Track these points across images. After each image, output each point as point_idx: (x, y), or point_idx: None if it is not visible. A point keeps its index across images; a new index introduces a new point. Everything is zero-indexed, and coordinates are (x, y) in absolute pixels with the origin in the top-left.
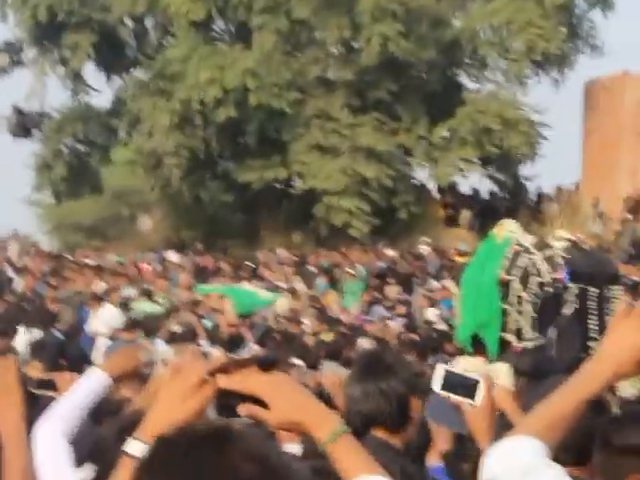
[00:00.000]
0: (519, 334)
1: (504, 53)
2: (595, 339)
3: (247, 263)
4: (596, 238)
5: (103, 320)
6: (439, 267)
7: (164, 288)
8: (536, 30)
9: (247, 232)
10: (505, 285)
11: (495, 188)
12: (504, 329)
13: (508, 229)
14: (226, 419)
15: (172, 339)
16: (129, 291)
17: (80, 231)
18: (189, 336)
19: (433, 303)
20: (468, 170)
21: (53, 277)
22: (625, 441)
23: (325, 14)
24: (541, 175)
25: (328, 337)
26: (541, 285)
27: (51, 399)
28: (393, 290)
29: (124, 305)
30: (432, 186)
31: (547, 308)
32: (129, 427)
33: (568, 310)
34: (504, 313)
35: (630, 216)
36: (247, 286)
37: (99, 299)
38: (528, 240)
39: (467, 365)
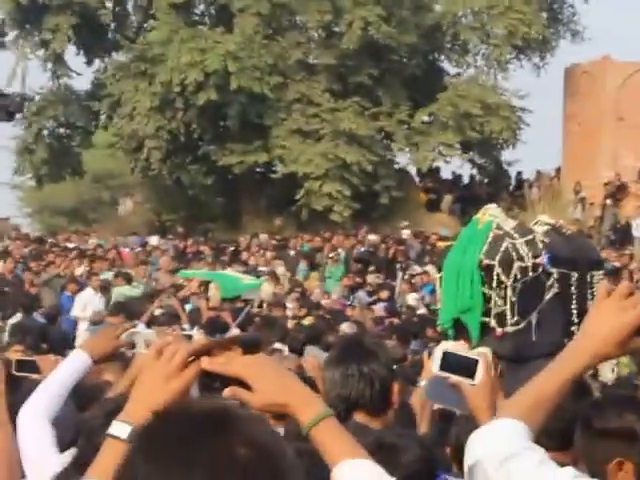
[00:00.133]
0: (501, 319)
1: (485, 38)
2: (576, 324)
3: (228, 246)
4: (577, 223)
5: (82, 303)
6: (420, 252)
7: (145, 272)
8: (517, 15)
9: (228, 216)
10: (486, 270)
11: (476, 173)
12: (486, 314)
13: (491, 214)
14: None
15: (154, 322)
16: (108, 274)
17: (61, 214)
18: (171, 319)
19: (415, 288)
20: (449, 155)
21: (34, 260)
22: (606, 424)
23: None
24: (522, 160)
25: (309, 321)
26: (523, 270)
27: (35, 382)
28: (374, 275)
29: (104, 289)
30: (413, 171)
31: (529, 293)
32: (115, 411)
33: (549, 295)
34: (485, 298)
35: (610, 201)
36: (230, 272)
37: (78, 282)
38: (509, 225)
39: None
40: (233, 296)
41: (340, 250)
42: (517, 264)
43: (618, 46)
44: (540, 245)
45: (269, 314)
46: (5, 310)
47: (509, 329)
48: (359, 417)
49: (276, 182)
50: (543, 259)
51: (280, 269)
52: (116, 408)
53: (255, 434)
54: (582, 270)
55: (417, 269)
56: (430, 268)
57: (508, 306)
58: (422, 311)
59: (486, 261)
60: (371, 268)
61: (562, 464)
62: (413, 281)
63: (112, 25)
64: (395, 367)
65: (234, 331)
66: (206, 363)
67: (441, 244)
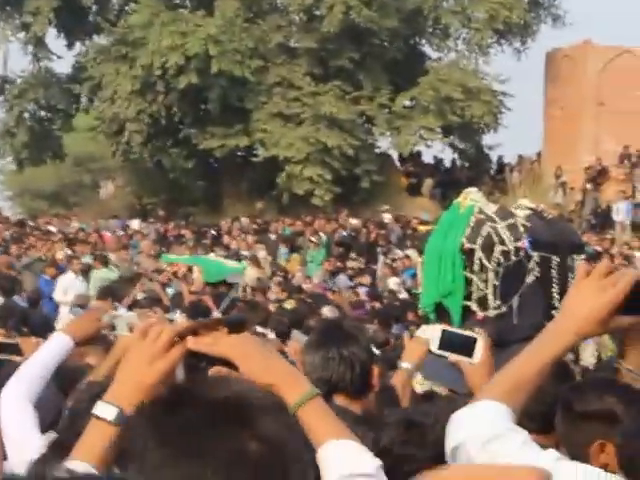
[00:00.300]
0: (483, 303)
1: (466, 22)
2: (558, 308)
3: (209, 230)
4: (557, 207)
5: (64, 287)
6: (401, 236)
7: (126, 255)
8: None
9: (209, 199)
10: (468, 254)
11: (457, 157)
12: (468, 298)
13: (472, 198)
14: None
15: (135, 306)
16: (89, 258)
17: (42, 198)
18: (152, 303)
19: (396, 272)
20: (430, 139)
21: (15, 244)
22: (587, 407)
23: None
24: (503, 144)
25: (291, 305)
26: (504, 254)
27: (16, 364)
28: (355, 261)
29: (85, 272)
30: (395, 155)
31: (510, 277)
32: (100, 395)
33: (530, 279)
34: (467, 282)
35: (591, 186)
36: (213, 256)
37: (57, 266)
38: (491, 209)
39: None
40: (216, 280)
41: (321, 234)
42: (499, 248)
43: (599, 30)
44: (521, 229)
45: (252, 299)
46: None
47: (491, 313)
48: (339, 400)
49: (257, 166)
50: (524, 243)
51: (261, 253)
52: (102, 392)
53: (269, 428)
54: (563, 254)
55: (398, 253)
56: (411, 252)
57: (490, 290)
58: (403, 295)
59: (468, 245)
60: (352, 255)
61: (544, 447)
62: (394, 265)
63: (93, 8)
64: (378, 352)
65: (217, 316)
66: (192, 343)
67: (422, 228)
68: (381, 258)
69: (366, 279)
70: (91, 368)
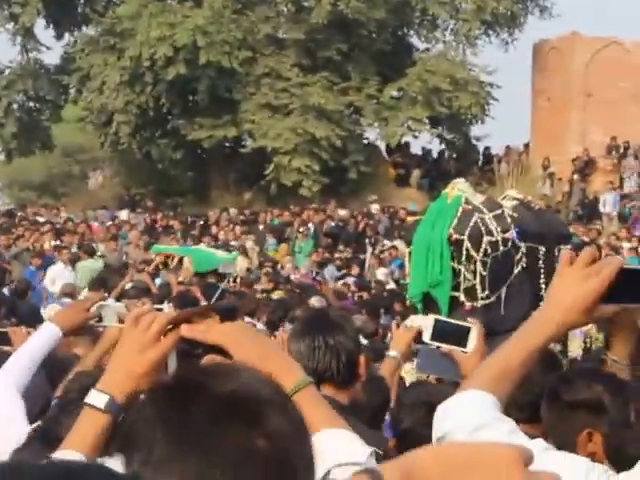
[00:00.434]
0: (470, 293)
1: (454, 13)
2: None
3: (197, 221)
4: (545, 198)
5: (52, 277)
6: (389, 226)
7: (115, 246)
8: None
9: (198, 190)
10: (456, 244)
11: (445, 148)
12: (455, 288)
13: (459, 189)
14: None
15: (124, 296)
16: (76, 249)
17: (31, 188)
18: (140, 293)
19: (384, 263)
20: (418, 130)
21: (4, 234)
22: (575, 396)
23: None
24: (491, 135)
25: (278, 295)
26: (492, 244)
27: (5, 354)
28: (344, 252)
29: (74, 262)
30: (382, 146)
31: (498, 267)
32: (89, 384)
33: (518, 269)
34: (455, 272)
35: (578, 177)
36: (203, 247)
37: (43, 257)
38: (478, 199)
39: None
40: (206, 270)
41: (310, 225)
42: (486, 238)
43: (586, 22)
44: (509, 220)
45: (241, 289)
46: None
47: (478, 303)
48: (326, 389)
49: (245, 157)
50: (512, 234)
51: (249, 243)
52: (91, 382)
53: (278, 424)
54: (550, 244)
55: (386, 244)
56: (399, 243)
57: (478, 280)
58: (391, 286)
59: (455, 236)
60: (340, 246)
61: (532, 436)
62: (382, 256)
63: None
64: (367, 342)
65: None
66: (186, 330)
67: (410, 219)
68: (369, 249)
69: (354, 270)
70: (79, 358)
